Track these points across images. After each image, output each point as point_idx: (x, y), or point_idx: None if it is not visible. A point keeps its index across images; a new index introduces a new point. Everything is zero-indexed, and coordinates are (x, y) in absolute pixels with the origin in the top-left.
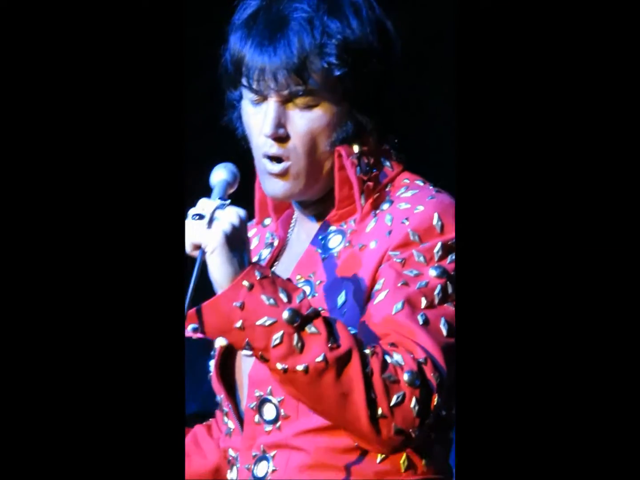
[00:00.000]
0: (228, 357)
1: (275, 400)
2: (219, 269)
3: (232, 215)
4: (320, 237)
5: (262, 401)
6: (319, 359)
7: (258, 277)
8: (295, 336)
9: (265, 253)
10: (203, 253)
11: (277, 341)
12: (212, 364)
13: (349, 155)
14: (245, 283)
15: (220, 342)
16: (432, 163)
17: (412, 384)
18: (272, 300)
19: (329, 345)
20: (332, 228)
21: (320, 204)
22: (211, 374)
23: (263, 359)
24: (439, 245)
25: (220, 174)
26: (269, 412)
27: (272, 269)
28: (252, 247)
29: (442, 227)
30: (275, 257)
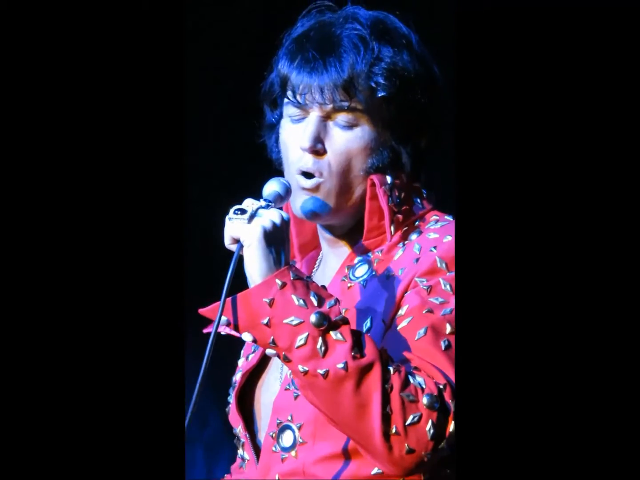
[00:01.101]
0: (247, 388)
1: (294, 426)
2: (253, 264)
3: (274, 214)
4: (346, 267)
5: (282, 428)
6: (340, 365)
7: (292, 278)
8: (320, 339)
9: None
10: (240, 247)
11: (301, 342)
12: (231, 396)
13: (381, 184)
14: (278, 281)
15: (246, 339)
16: (432, 164)
17: (431, 407)
18: (302, 302)
19: (353, 353)
20: (359, 258)
21: (347, 237)
22: (230, 405)
23: (286, 359)
24: None
25: (274, 186)
26: (287, 439)
27: None
28: None
29: None
30: None
